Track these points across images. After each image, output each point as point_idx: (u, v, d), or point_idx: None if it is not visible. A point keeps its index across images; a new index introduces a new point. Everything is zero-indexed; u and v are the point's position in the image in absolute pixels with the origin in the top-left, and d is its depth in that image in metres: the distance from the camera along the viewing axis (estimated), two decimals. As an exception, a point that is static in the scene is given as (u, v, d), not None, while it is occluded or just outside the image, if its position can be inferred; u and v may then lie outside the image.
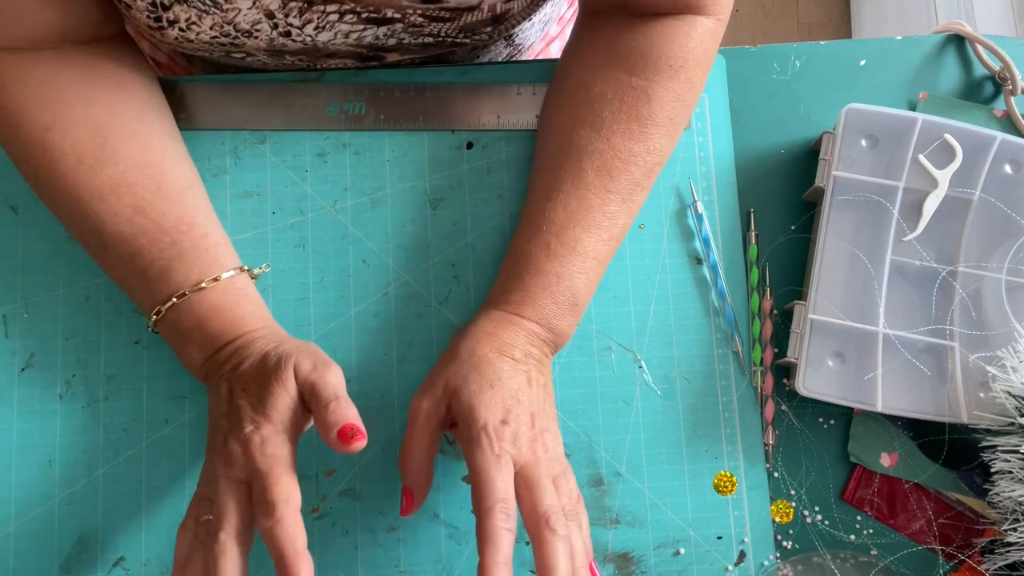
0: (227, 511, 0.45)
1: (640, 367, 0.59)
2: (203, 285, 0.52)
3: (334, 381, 0.48)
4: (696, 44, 0.54)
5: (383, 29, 0.56)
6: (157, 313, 0.52)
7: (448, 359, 0.52)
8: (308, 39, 0.56)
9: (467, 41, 0.60)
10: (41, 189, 0.54)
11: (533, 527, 0.46)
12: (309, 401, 0.48)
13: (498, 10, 0.57)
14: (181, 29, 0.53)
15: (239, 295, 0.53)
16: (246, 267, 0.55)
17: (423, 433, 0.50)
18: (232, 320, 0.52)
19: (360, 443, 0.46)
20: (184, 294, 0.51)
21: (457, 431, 0.50)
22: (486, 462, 0.46)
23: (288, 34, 0.55)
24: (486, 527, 0.45)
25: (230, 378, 0.50)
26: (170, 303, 0.52)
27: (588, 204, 0.53)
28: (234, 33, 0.54)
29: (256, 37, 0.55)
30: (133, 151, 0.53)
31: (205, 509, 0.47)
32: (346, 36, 0.56)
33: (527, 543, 0.56)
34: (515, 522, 0.46)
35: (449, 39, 0.59)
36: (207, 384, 0.52)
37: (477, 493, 0.46)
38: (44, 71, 0.53)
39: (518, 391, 0.50)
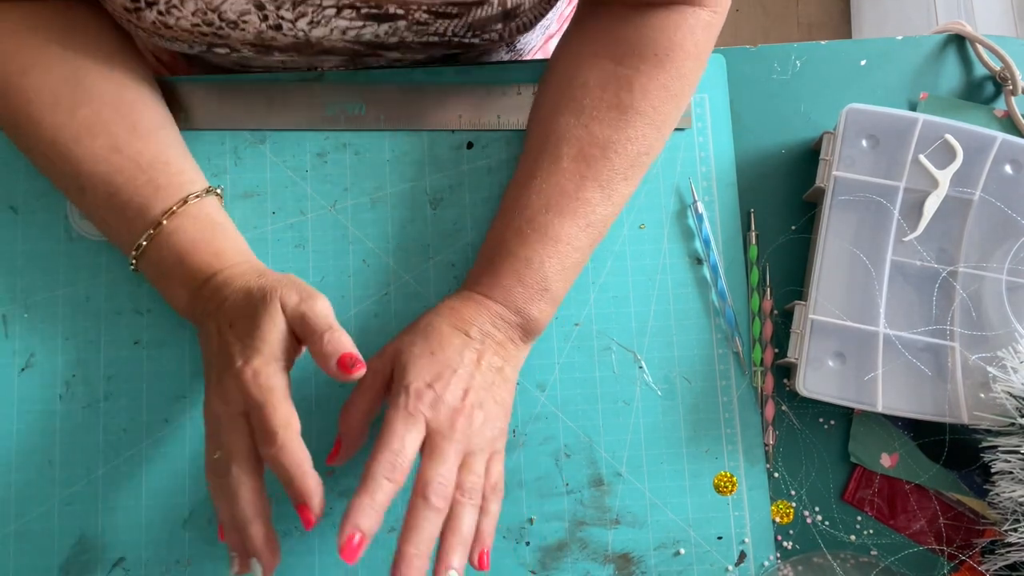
0: (233, 444, 0.46)
1: (640, 367, 0.59)
2: (174, 209, 0.52)
3: (323, 310, 0.48)
4: (686, 34, 0.54)
5: (384, 27, 0.55)
6: (137, 249, 0.52)
7: (406, 328, 0.53)
8: (301, 34, 0.55)
9: (475, 41, 0.59)
10: (18, 135, 0.54)
11: (413, 492, 0.47)
12: (301, 333, 0.48)
13: (508, 4, 0.56)
14: (160, 12, 0.52)
15: (215, 228, 0.53)
16: (211, 188, 0.55)
17: (365, 390, 0.51)
18: (211, 254, 0.52)
19: (360, 371, 0.47)
20: (160, 223, 0.52)
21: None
22: (395, 416, 0.47)
23: (279, 27, 0.54)
24: (368, 471, 0.46)
25: (216, 316, 0.50)
26: (147, 236, 0.52)
27: (562, 189, 0.53)
28: (218, 23, 0.53)
29: (243, 29, 0.54)
30: (108, 91, 0.53)
31: (214, 448, 0.47)
32: (343, 32, 0.55)
33: (527, 544, 0.56)
34: (401, 476, 0.46)
35: (456, 38, 0.58)
36: (196, 324, 0.53)
37: (377, 443, 0.47)
38: (18, 18, 0.53)
39: (459, 365, 0.50)
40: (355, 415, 0.50)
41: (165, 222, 0.52)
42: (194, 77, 0.62)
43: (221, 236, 0.53)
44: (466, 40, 0.59)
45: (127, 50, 0.56)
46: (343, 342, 0.47)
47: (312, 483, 0.45)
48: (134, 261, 0.53)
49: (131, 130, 0.53)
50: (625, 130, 0.54)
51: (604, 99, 0.54)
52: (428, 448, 0.48)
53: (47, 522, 0.55)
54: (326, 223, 0.60)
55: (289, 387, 0.47)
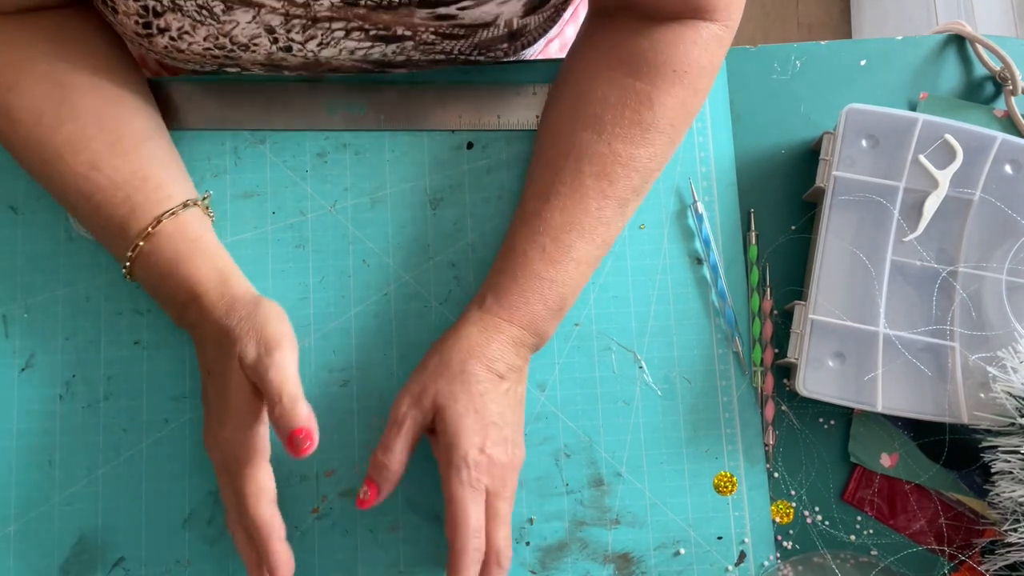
0: (224, 499, 0.51)
1: (640, 367, 0.59)
2: (149, 230, 0.52)
3: (278, 375, 0.47)
4: (701, 50, 0.54)
5: (392, 47, 0.55)
6: (125, 268, 0.53)
7: (438, 367, 0.52)
8: (310, 54, 0.55)
9: (481, 59, 0.59)
10: (11, 150, 0.54)
11: (487, 561, 0.50)
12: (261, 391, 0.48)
13: (515, 26, 0.56)
14: (172, 38, 0.52)
15: (191, 245, 0.52)
16: (190, 200, 0.54)
17: (406, 439, 0.51)
18: (184, 278, 0.52)
19: (308, 451, 0.46)
20: (138, 246, 0.52)
21: (435, 440, 0.52)
22: (463, 494, 0.49)
23: (289, 49, 0.54)
24: (460, 558, 0.49)
25: (201, 351, 0.52)
26: (128, 258, 0.52)
27: (585, 208, 0.53)
28: (229, 46, 0.53)
29: (253, 51, 0.54)
30: (92, 105, 0.53)
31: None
32: (351, 53, 0.56)
33: (527, 543, 0.56)
34: (484, 550, 0.50)
35: (462, 56, 0.58)
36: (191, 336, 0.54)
37: (453, 521, 0.49)
38: (9, 32, 0.53)
39: (499, 417, 0.51)
40: (396, 463, 0.51)
41: (142, 243, 0.52)
42: (194, 77, 0.62)
43: (198, 255, 0.52)
44: (472, 58, 0.59)
45: (118, 58, 0.56)
46: (294, 414, 0.46)
47: (279, 558, 0.48)
48: (124, 275, 0.54)
49: (112, 146, 0.53)
50: (646, 147, 0.54)
51: (625, 116, 0.54)
52: (491, 513, 0.50)
53: (47, 522, 0.55)
54: (326, 223, 0.60)
55: (264, 443, 0.49)
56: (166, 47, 0.53)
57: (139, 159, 0.53)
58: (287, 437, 0.46)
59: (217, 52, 0.54)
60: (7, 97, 0.52)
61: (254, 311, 0.50)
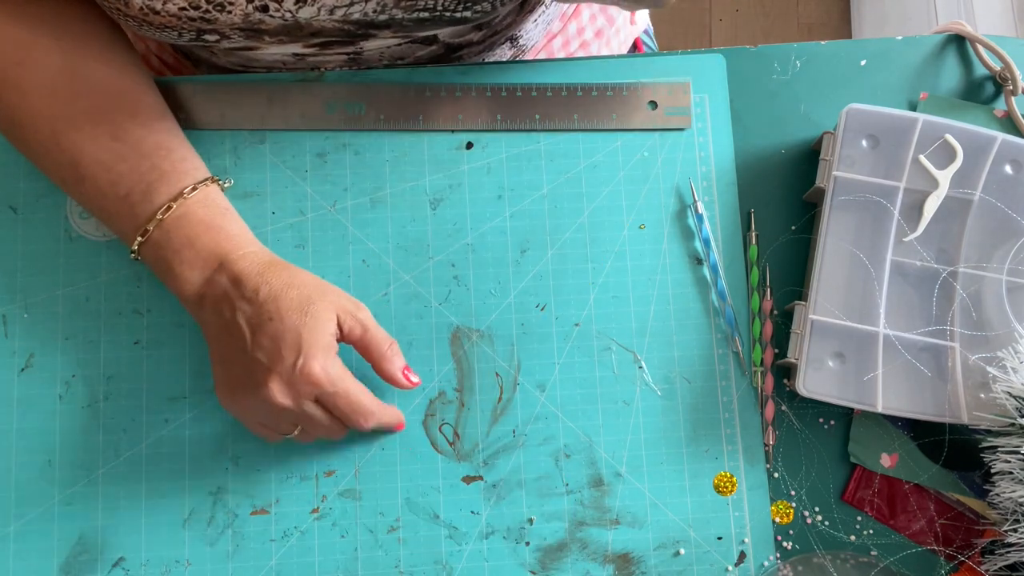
0: (315, 425, 0.53)
1: (640, 367, 0.59)
2: (184, 194, 0.52)
3: (377, 329, 0.54)
4: None
5: (372, 3, 0.54)
6: (143, 234, 0.52)
7: (323, 288, 0.54)
8: (288, 15, 0.54)
9: (467, 14, 0.57)
10: (14, 129, 0.54)
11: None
12: (361, 341, 0.53)
13: None
14: None
15: (224, 211, 0.54)
16: (216, 178, 0.56)
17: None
18: (225, 236, 0.52)
19: (418, 380, 0.56)
20: (169, 207, 0.52)
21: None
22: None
23: (265, 9, 0.53)
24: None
25: (251, 305, 0.50)
26: (155, 221, 0.52)
27: None
28: (204, 6, 0.52)
29: (229, 12, 0.53)
30: (105, 81, 0.53)
31: (289, 427, 0.53)
32: (331, 12, 0.54)
33: (527, 544, 0.56)
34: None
35: (447, 12, 0.56)
36: (204, 309, 0.52)
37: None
38: (11, 14, 0.53)
39: None
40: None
41: (174, 205, 0.52)
42: (194, 77, 0.62)
43: (231, 220, 0.54)
44: (458, 14, 0.57)
45: (121, 44, 0.56)
46: (402, 358, 0.55)
47: (397, 415, 0.56)
48: (136, 248, 0.53)
49: (131, 118, 0.53)
50: None
51: None
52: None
53: (47, 522, 0.55)
54: (326, 223, 0.60)
55: None
56: (141, 8, 0.52)
57: (159, 132, 0.54)
58: (401, 370, 0.55)
59: (193, 14, 0.53)
60: (17, 71, 0.52)
61: (319, 283, 0.54)
